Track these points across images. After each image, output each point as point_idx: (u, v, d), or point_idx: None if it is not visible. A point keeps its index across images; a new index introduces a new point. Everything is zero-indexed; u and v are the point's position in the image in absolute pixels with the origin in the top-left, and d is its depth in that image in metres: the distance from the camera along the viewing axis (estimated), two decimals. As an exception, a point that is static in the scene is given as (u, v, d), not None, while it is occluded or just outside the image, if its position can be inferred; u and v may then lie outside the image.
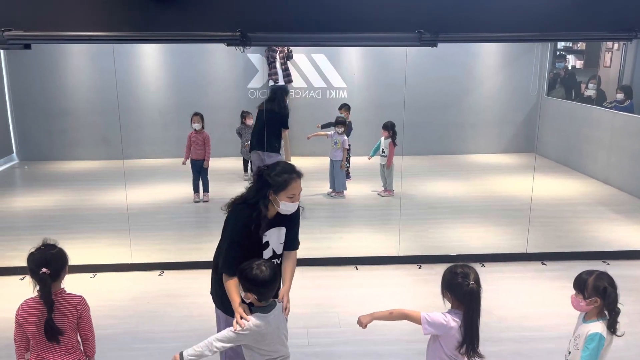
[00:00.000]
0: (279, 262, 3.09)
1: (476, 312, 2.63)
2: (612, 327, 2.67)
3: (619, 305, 2.71)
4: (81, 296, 2.85)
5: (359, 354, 4.00)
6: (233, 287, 2.84)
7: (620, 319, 2.73)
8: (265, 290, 2.75)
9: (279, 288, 2.94)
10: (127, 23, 4.51)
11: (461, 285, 2.62)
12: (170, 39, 5.19)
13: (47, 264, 2.68)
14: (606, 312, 2.71)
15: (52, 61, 9.80)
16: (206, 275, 5.23)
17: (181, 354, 2.68)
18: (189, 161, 7.53)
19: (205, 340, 2.70)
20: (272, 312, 2.77)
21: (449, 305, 2.74)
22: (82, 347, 2.90)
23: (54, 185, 8.52)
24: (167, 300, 4.82)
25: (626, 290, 2.79)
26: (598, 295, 2.69)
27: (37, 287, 2.70)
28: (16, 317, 2.74)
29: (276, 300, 2.86)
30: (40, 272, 2.67)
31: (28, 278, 2.75)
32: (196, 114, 7.42)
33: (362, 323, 2.84)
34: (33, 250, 2.77)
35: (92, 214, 7.10)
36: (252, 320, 2.70)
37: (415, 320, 2.71)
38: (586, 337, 2.69)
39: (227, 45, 4.58)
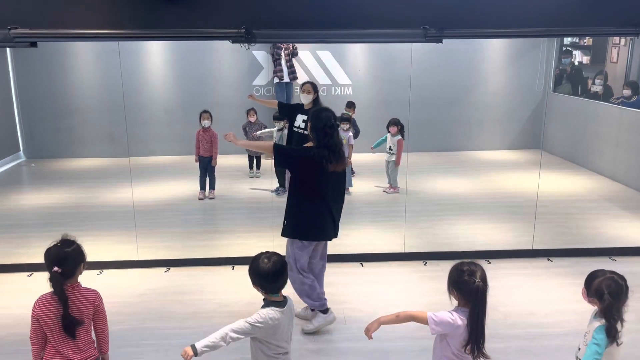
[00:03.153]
0: None
1: (482, 310, 2.61)
2: (610, 333, 2.64)
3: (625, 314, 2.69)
4: (96, 290, 2.88)
5: (365, 351, 4.00)
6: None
7: (626, 317, 2.71)
8: (267, 283, 2.77)
9: (284, 282, 2.88)
10: (132, 21, 4.52)
11: (467, 283, 2.62)
12: (176, 36, 5.20)
13: (60, 263, 2.68)
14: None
15: (58, 59, 9.83)
16: (212, 272, 5.31)
17: (193, 347, 2.62)
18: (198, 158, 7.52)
19: (219, 330, 2.67)
20: (286, 308, 2.81)
21: (455, 302, 2.73)
22: (96, 343, 2.88)
23: (60, 182, 8.56)
24: (173, 297, 4.84)
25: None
26: (597, 297, 2.70)
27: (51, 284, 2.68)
28: (33, 313, 2.69)
29: (288, 297, 2.89)
30: (52, 270, 2.66)
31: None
32: (205, 111, 7.43)
33: (369, 331, 2.83)
34: (50, 246, 2.75)
35: (98, 211, 7.13)
36: (269, 313, 2.72)
37: (422, 321, 2.71)
38: (593, 332, 2.69)
39: (232, 42, 4.58)
